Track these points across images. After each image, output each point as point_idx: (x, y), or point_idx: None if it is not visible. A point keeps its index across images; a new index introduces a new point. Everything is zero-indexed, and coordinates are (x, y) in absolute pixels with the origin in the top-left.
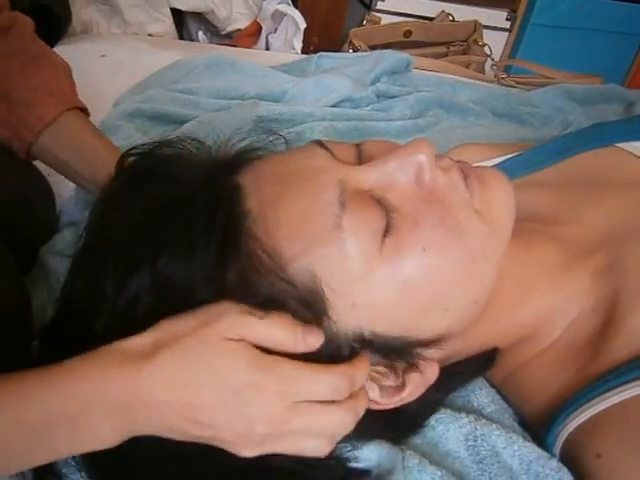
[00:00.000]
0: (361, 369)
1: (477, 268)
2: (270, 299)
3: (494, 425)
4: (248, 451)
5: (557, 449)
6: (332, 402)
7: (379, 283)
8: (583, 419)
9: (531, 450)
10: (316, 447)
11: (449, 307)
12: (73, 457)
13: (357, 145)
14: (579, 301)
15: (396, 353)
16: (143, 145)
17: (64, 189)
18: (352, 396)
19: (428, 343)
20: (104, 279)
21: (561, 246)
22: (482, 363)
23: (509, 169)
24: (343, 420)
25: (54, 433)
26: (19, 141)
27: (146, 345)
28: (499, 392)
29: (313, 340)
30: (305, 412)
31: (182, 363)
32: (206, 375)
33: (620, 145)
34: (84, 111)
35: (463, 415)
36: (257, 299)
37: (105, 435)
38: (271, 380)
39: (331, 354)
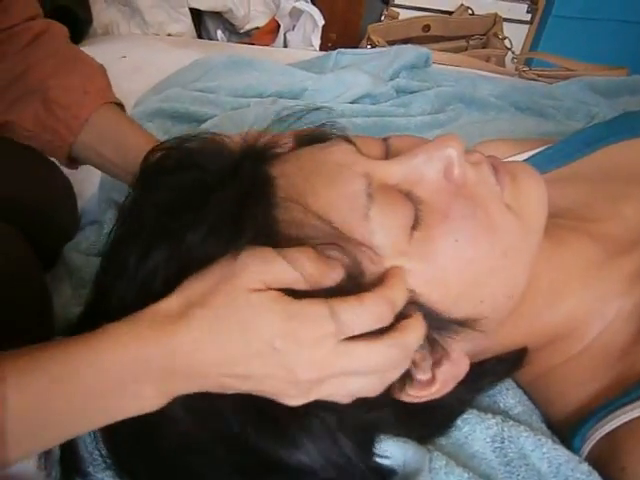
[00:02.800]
0: (396, 288)
1: (508, 263)
2: None
3: (522, 427)
4: (295, 399)
5: (584, 454)
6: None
7: (409, 275)
8: (614, 425)
9: (560, 453)
10: (365, 386)
11: (483, 299)
12: (100, 454)
13: (384, 140)
14: (615, 304)
15: (431, 330)
16: (170, 140)
17: (86, 189)
18: (397, 329)
19: (461, 323)
20: (127, 256)
21: (597, 244)
22: (511, 363)
23: (538, 163)
24: (389, 353)
25: (98, 402)
26: (60, 142)
27: (175, 307)
28: (526, 393)
29: (336, 274)
30: (347, 351)
31: (212, 321)
32: (237, 330)
33: None
34: (120, 106)
35: (490, 416)
36: None
37: (150, 399)
38: (303, 326)
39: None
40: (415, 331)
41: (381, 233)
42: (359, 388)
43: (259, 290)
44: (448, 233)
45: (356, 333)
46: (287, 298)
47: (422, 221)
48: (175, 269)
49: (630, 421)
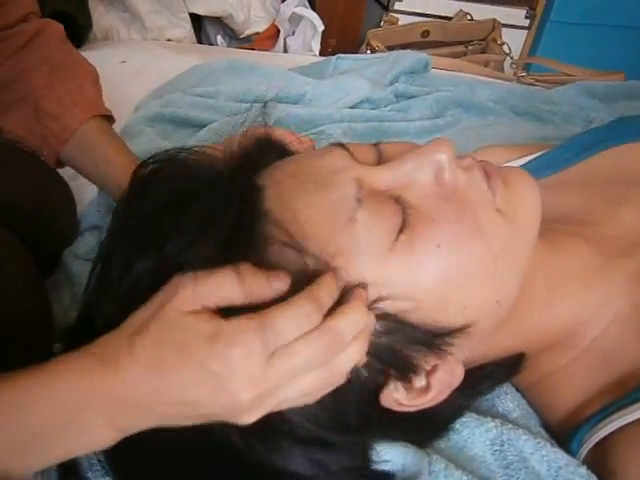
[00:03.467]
0: (322, 285)
1: (498, 267)
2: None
3: (521, 430)
4: (246, 417)
5: (581, 457)
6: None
7: (390, 278)
8: (609, 430)
9: (560, 456)
10: (317, 380)
11: (467, 305)
12: (98, 460)
13: (375, 145)
14: (613, 307)
15: (418, 343)
16: (159, 153)
17: (85, 194)
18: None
19: (448, 334)
20: (111, 265)
21: (595, 247)
22: (509, 368)
23: (536, 168)
24: (328, 339)
25: (48, 438)
26: (48, 149)
27: (122, 338)
28: (524, 397)
29: (280, 284)
30: (282, 357)
31: (152, 349)
32: (173, 356)
33: None
34: (109, 118)
35: (489, 419)
36: None
37: (100, 436)
38: (232, 345)
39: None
40: (345, 315)
41: (365, 236)
42: (312, 385)
43: (194, 312)
44: (430, 238)
45: (289, 339)
46: (216, 318)
47: (409, 225)
48: (158, 281)
49: (623, 426)
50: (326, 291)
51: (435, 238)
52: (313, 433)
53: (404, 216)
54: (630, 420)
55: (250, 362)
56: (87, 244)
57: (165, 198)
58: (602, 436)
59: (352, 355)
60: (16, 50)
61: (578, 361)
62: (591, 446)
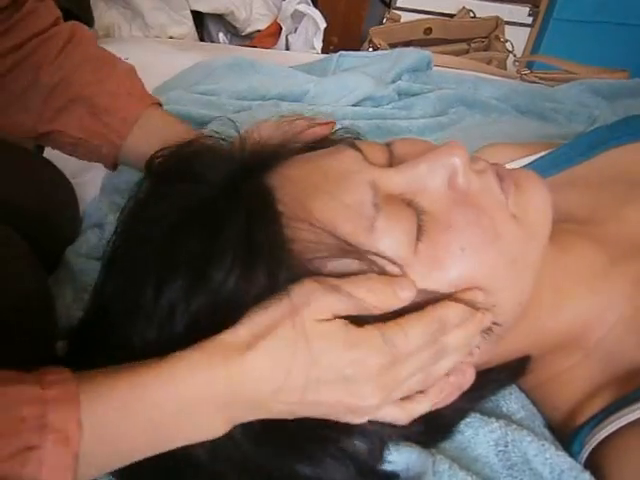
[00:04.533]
0: (450, 310)
1: (518, 270)
2: None
3: (525, 431)
4: (361, 419)
5: (582, 460)
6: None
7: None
8: (607, 432)
9: (563, 460)
10: (417, 385)
11: (494, 306)
12: None
13: (387, 145)
14: (617, 309)
15: None
16: (171, 147)
17: (87, 192)
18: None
19: None
20: (142, 284)
21: (601, 248)
22: (514, 371)
23: (542, 168)
24: (435, 350)
25: (168, 427)
26: (108, 147)
27: (243, 337)
28: (529, 398)
29: (407, 292)
30: (403, 364)
31: (282, 352)
32: (307, 360)
33: None
34: (160, 105)
35: (493, 420)
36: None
37: (215, 426)
38: (369, 353)
39: None
40: (456, 332)
41: (386, 245)
42: (412, 389)
43: (326, 320)
44: (453, 242)
45: (413, 351)
46: (351, 327)
47: (425, 232)
48: (188, 305)
49: (621, 427)
50: (453, 316)
51: (458, 242)
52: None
53: (419, 222)
54: (628, 421)
55: (382, 369)
56: (89, 242)
57: (183, 206)
58: (601, 438)
59: (449, 363)
60: (58, 53)
61: (582, 363)
62: (592, 448)
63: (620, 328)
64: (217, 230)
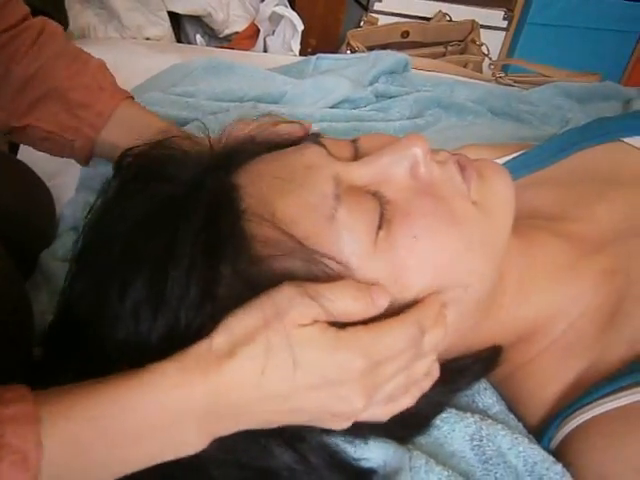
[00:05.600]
0: (427, 312)
1: (473, 257)
2: (270, 285)
3: (499, 425)
4: (346, 423)
5: (551, 452)
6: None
7: (377, 276)
8: (573, 426)
9: (536, 452)
10: (399, 387)
11: (444, 292)
12: None
13: (353, 141)
14: (582, 302)
15: None
16: (140, 146)
17: (63, 194)
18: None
19: None
20: (107, 285)
21: (568, 243)
22: (486, 362)
23: (514, 168)
24: (415, 352)
25: (144, 442)
26: (82, 140)
27: (222, 345)
28: (497, 391)
29: (382, 300)
30: (385, 366)
31: (263, 358)
32: (288, 365)
33: (625, 140)
34: (132, 98)
35: (468, 415)
36: (253, 286)
37: (193, 441)
38: (354, 356)
39: None
40: (434, 333)
41: (348, 235)
42: (394, 390)
43: (306, 325)
44: (407, 230)
45: (395, 355)
46: (333, 329)
47: (386, 220)
48: (151, 308)
49: (591, 419)
50: (431, 317)
51: (411, 230)
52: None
53: (382, 211)
54: (589, 417)
55: (366, 372)
56: (65, 246)
57: (146, 206)
58: (567, 431)
59: (428, 362)
60: (29, 46)
61: (546, 354)
62: (559, 441)
63: (584, 321)
64: (178, 227)
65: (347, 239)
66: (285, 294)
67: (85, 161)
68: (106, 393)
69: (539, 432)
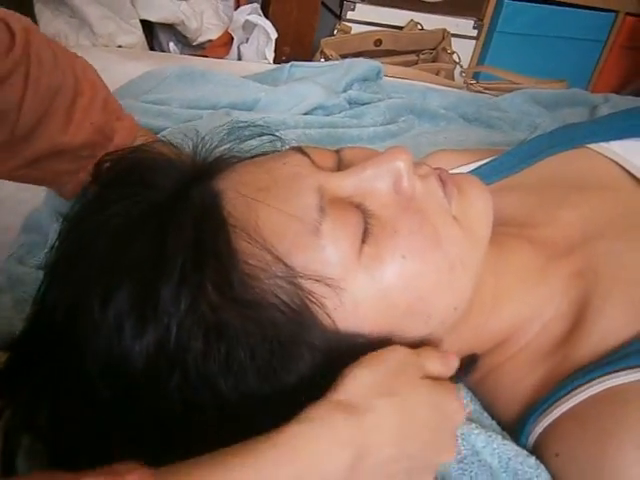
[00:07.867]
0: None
1: (455, 276)
2: (254, 303)
3: (473, 424)
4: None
5: (529, 448)
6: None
7: (358, 290)
8: (551, 419)
9: (510, 448)
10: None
11: (431, 314)
12: None
13: (337, 152)
14: (552, 304)
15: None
16: (119, 151)
17: (28, 204)
18: None
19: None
20: (87, 294)
21: (536, 249)
22: (464, 371)
23: (484, 174)
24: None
25: None
26: (74, 185)
27: (358, 398)
28: (471, 391)
29: (454, 363)
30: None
31: (402, 414)
32: (426, 418)
33: (591, 146)
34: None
35: None
36: (238, 303)
37: None
38: (451, 410)
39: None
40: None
41: (332, 248)
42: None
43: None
44: (396, 249)
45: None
46: (437, 384)
47: (371, 235)
48: (135, 317)
49: (564, 412)
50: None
51: (400, 250)
52: None
53: (366, 225)
54: (565, 410)
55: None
56: (30, 251)
57: (127, 213)
58: (544, 426)
59: None
60: (20, 100)
61: (520, 354)
62: (536, 436)
63: (554, 323)
64: (164, 235)
65: (331, 252)
66: (398, 354)
67: (70, 197)
68: (249, 459)
69: (516, 429)
